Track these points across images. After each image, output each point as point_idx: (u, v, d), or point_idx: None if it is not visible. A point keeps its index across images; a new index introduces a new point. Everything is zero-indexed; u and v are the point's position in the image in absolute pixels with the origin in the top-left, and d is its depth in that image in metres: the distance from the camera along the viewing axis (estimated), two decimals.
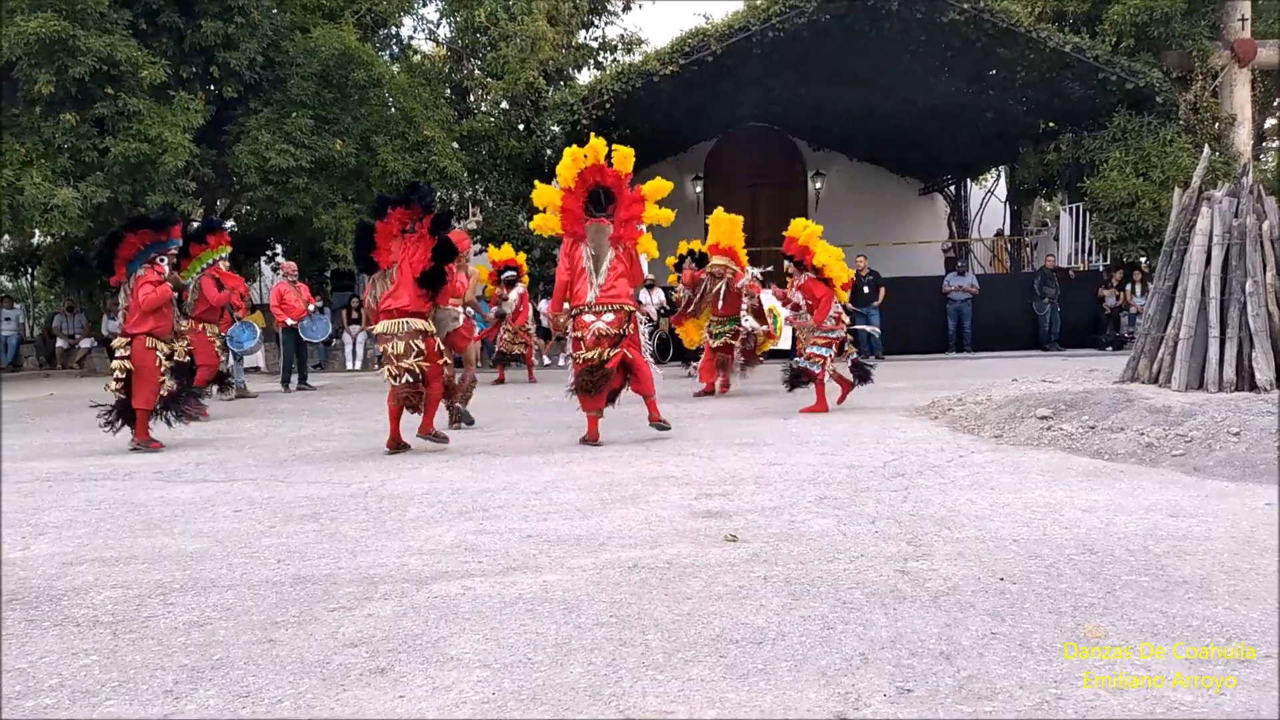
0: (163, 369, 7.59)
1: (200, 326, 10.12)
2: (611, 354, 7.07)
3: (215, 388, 10.49)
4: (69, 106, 14.94)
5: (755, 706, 2.48)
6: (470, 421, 8.42)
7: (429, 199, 6.99)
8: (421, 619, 3.22)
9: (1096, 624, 2.98)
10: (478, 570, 3.78)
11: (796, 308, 9.21)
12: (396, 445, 7.03)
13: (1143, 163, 17.76)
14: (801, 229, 9.24)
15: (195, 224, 16.84)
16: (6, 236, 20.39)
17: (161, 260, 7.76)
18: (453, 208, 21.18)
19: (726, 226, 10.77)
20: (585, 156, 7.30)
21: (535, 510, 4.87)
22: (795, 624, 3.05)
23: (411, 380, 6.78)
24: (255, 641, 3.05)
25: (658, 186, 7.43)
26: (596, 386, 7.12)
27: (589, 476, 5.80)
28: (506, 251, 14.22)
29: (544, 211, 7.61)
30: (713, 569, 3.69)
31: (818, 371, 8.81)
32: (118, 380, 7.53)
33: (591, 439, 7.15)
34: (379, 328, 6.91)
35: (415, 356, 6.78)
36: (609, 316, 7.10)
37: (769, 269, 13.18)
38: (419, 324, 6.84)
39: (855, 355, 9.22)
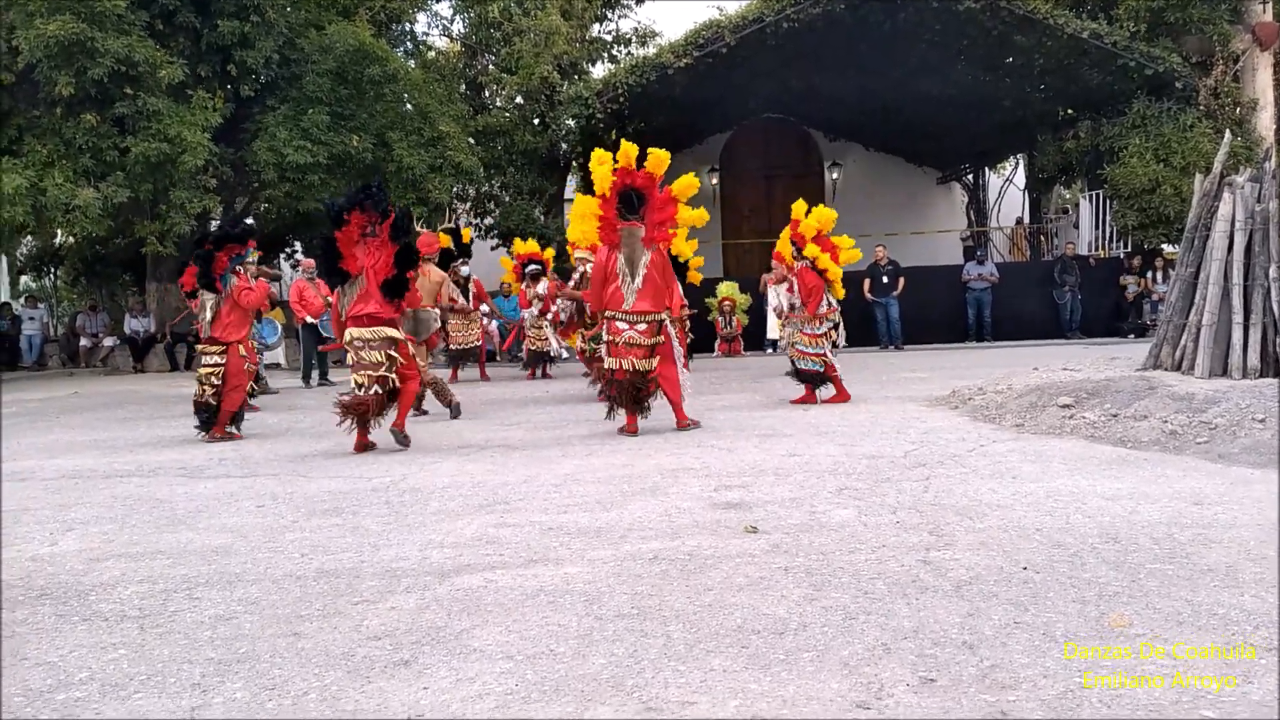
0: (247, 370, 8.20)
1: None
2: (646, 365, 7.07)
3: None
4: (89, 107, 15.05)
5: (777, 697, 2.48)
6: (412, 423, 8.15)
7: (382, 201, 6.87)
8: (444, 611, 3.23)
9: (1121, 613, 2.96)
10: (499, 563, 3.80)
11: (792, 308, 9.01)
12: (365, 446, 6.95)
13: (1163, 149, 17.58)
14: (802, 212, 8.96)
15: (214, 221, 17.08)
16: (30, 237, 20.59)
17: (242, 269, 8.21)
18: (468, 203, 21.24)
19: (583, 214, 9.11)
20: (616, 160, 7.20)
21: (555, 503, 4.89)
22: (817, 614, 3.05)
23: (379, 391, 6.76)
24: (280, 635, 3.08)
25: (687, 184, 7.35)
26: (630, 401, 7.11)
27: (608, 469, 5.81)
28: (531, 246, 14.09)
29: (581, 220, 7.56)
30: (733, 560, 3.69)
31: (823, 370, 8.76)
32: (213, 386, 7.91)
33: (630, 430, 7.16)
34: (349, 334, 6.85)
35: (388, 367, 6.79)
36: (641, 326, 7.08)
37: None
38: (391, 331, 6.84)
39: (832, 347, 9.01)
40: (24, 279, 24.67)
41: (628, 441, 6.91)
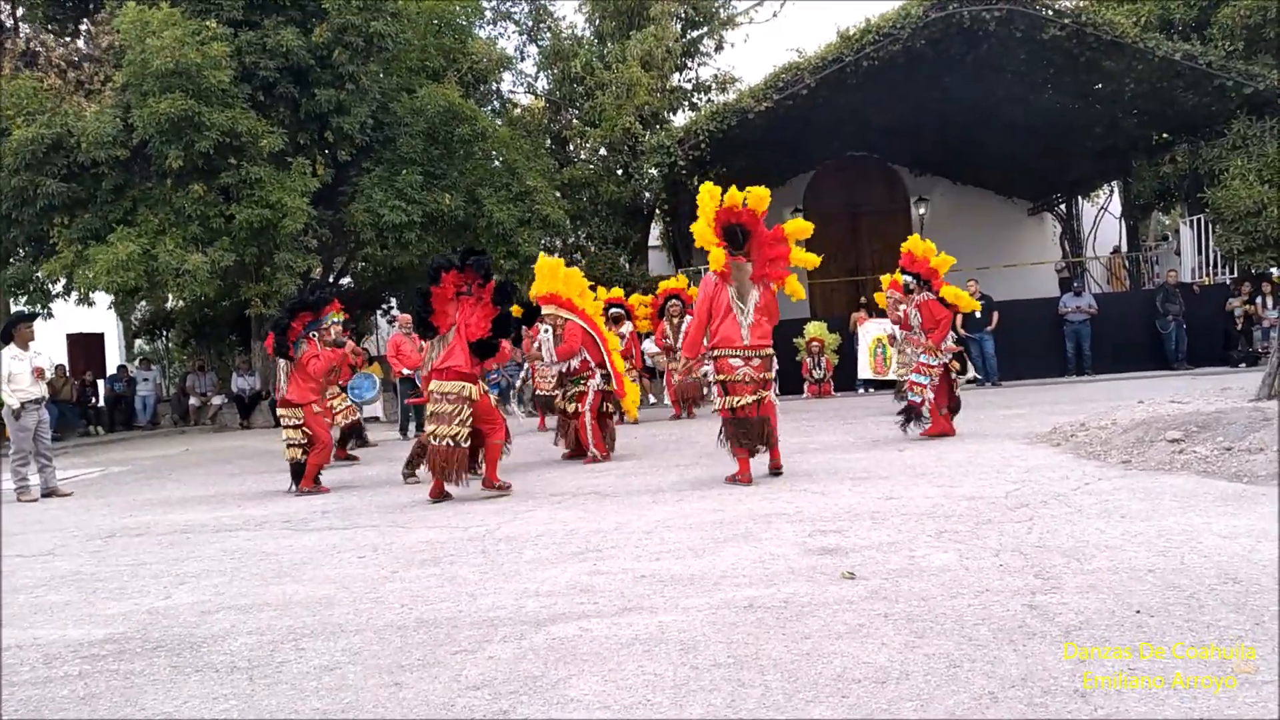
0: (333, 426, 8.70)
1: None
2: (754, 400, 6.89)
3: (352, 441, 11.31)
4: (197, 178, 15.86)
5: None
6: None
7: (486, 266, 7.12)
8: (540, 661, 3.25)
9: (1245, 658, 2.81)
10: (593, 611, 3.81)
11: (908, 326, 8.96)
12: (441, 495, 7.13)
13: (1267, 169, 16.89)
14: (921, 247, 9.00)
15: (313, 278, 17.74)
16: (143, 302, 21.65)
17: (314, 335, 8.60)
18: (556, 254, 21.60)
19: (548, 272, 9.11)
20: (721, 199, 7.09)
21: (648, 550, 4.88)
22: (919, 662, 2.97)
23: (451, 444, 6.94)
24: (383, 685, 3.14)
25: (799, 226, 7.26)
26: (752, 438, 6.93)
27: (700, 515, 5.78)
28: (616, 292, 14.42)
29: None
30: (831, 607, 3.63)
31: (919, 401, 8.62)
32: (299, 446, 8.34)
33: (744, 479, 6.85)
34: (431, 386, 7.11)
35: (460, 422, 6.95)
36: (756, 361, 6.93)
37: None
38: (470, 386, 7.03)
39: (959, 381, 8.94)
40: (138, 342, 25.91)
41: (719, 487, 6.84)
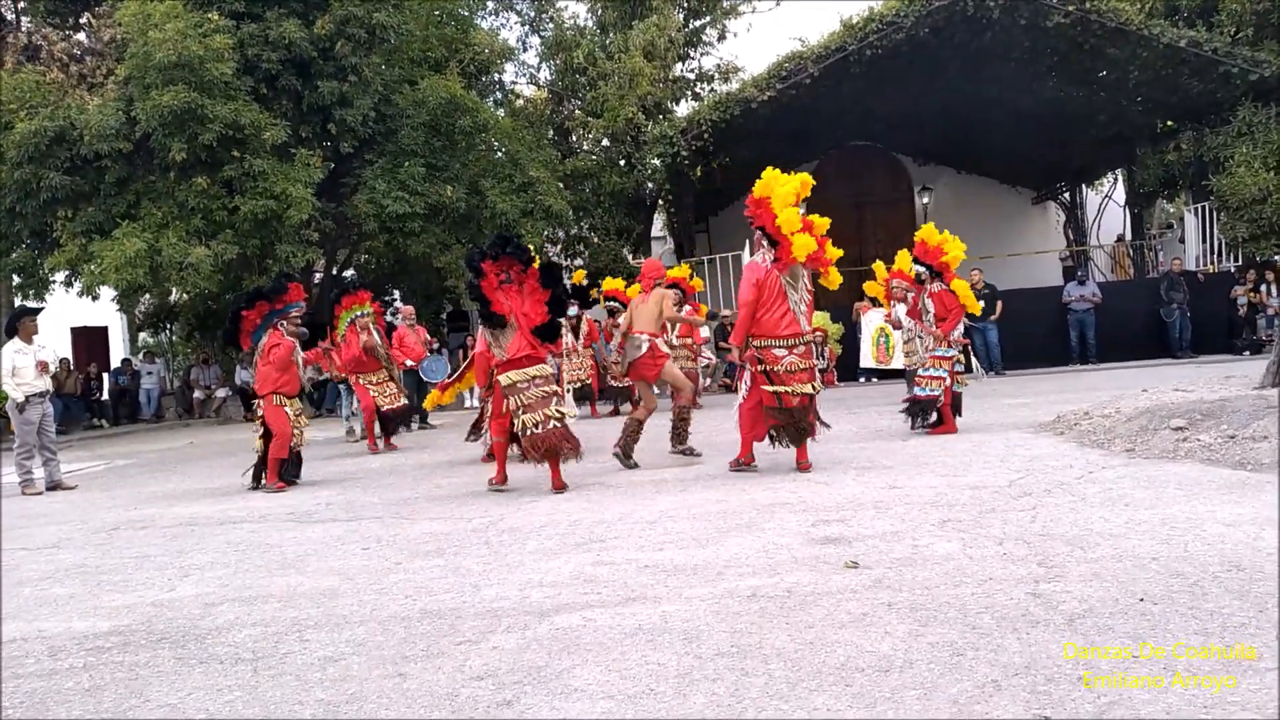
0: (295, 425, 8.27)
1: (355, 377, 10.89)
2: (811, 389, 6.77)
3: (402, 425, 11.37)
4: (200, 171, 15.86)
5: None
6: (629, 461, 7.77)
7: (524, 250, 6.93)
8: (544, 651, 3.26)
9: (1247, 644, 2.81)
10: (597, 601, 3.81)
11: (920, 315, 8.87)
12: (504, 480, 7.09)
13: (1273, 156, 16.80)
14: (936, 238, 8.89)
15: (318, 275, 17.74)
16: (147, 295, 21.68)
17: (281, 325, 8.36)
18: (559, 245, 21.60)
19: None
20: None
21: (651, 540, 4.88)
22: (923, 651, 2.97)
23: (558, 425, 6.72)
24: (387, 676, 3.15)
25: (821, 223, 6.97)
26: (798, 429, 6.81)
27: (703, 505, 5.78)
28: (617, 283, 14.34)
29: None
30: (834, 596, 3.63)
31: (938, 395, 8.56)
32: (261, 437, 8.23)
33: (803, 466, 6.80)
34: (506, 378, 6.82)
35: (557, 402, 6.81)
36: (800, 349, 6.79)
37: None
38: (548, 369, 6.94)
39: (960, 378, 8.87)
40: (142, 335, 25.96)
41: (723, 477, 6.84)
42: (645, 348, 7.85)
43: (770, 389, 6.75)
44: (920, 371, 8.82)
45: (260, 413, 8.23)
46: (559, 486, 6.76)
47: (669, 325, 11.03)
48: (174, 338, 25.30)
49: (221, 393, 20.15)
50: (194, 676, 3.31)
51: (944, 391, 8.55)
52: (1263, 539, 3.99)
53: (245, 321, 8.37)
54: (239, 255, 16.16)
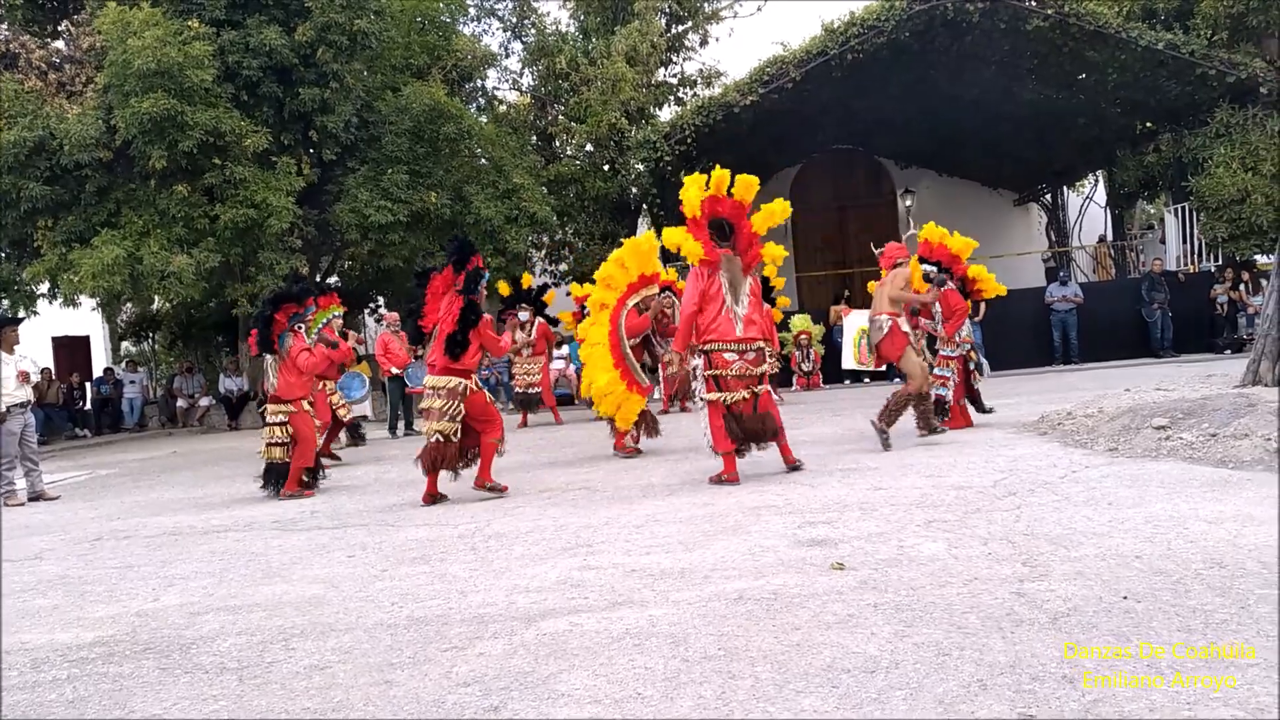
0: (317, 428, 8.40)
1: (320, 384, 10.67)
2: (749, 395, 6.69)
3: (346, 437, 11.34)
4: (181, 178, 15.77)
5: None
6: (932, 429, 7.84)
7: (455, 251, 6.92)
8: (531, 656, 3.25)
9: (1230, 641, 2.83)
10: (584, 606, 3.81)
11: (925, 313, 8.83)
12: (433, 498, 6.94)
13: (1250, 157, 16.98)
14: (938, 234, 8.88)
15: (302, 275, 17.65)
16: (129, 304, 21.54)
17: (300, 328, 8.34)
18: (543, 251, 21.54)
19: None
20: (707, 186, 6.84)
21: (638, 544, 4.88)
22: (908, 651, 2.98)
23: (441, 440, 6.77)
24: (373, 683, 3.13)
25: (773, 211, 6.95)
26: (748, 434, 6.76)
27: (689, 508, 5.79)
28: (589, 289, 14.20)
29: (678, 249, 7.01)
30: (820, 598, 3.63)
31: (948, 394, 8.60)
32: (280, 446, 8.10)
33: (730, 477, 6.61)
34: (426, 381, 6.98)
35: (448, 418, 6.77)
36: (750, 355, 6.70)
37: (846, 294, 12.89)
38: (462, 383, 6.82)
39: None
40: (124, 344, 25.79)
41: (707, 481, 6.83)
42: (887, 328, 7.90)
43: (718, 395, 6.69)
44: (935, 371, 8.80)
45: (280, 419, 8.10)
46: (425, 499, 6.91)
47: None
48: (157, 347, 25.15)
49: (205, 401, 20.03)
50: (179, 686, 3.28)
51: (954, 389, 8.60)
52: (1244, 536, 4.03)
53: (275, 325, 8.23)
54: (221, 263, 16.07)
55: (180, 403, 20.55)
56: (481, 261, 7.14)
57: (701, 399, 6.88)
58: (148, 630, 4.04)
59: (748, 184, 6.84)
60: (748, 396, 6.71)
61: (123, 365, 23.00)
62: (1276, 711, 2.33)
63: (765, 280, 7.45)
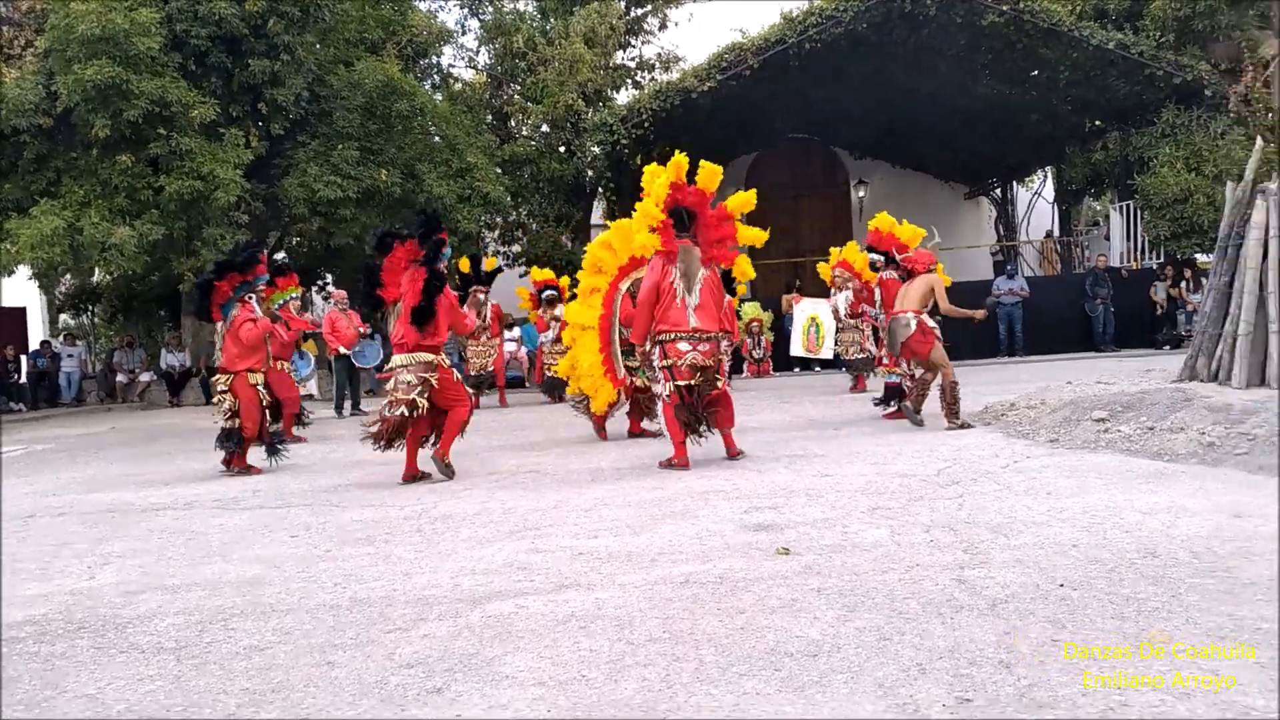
0: (264, 402, 8.07)
1: (277, 363, 10.48)
2: (707, 386, 6.73)
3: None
4: (125, 148, 15.37)
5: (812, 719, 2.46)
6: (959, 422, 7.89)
7: (421, 225, 6.79)
8: (476, 638, 3.24)
9: (1161, 629, 2.91)
10: (530, 589, 3.80)
11: (860, 306, 8.94)
12: (413, 477, 6.87)
13: (1194, 157, 17.38)
14: (888, 223, 8.95)
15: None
16: (68, 276, 21.01)
17: (250, 298, 8.11)
18: (496, 232, 21.37)
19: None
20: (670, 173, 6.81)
21: (586, 528, 4.88)
22: (850, 635, 3.02)
23: (406, 413, 6.62)
24: (314, 664, 3.10)
25: (743, 200, 6.99)
26: (695, 422, 6.78)
27: (638, 493, 5.80)
28: (547, 273, 14.24)
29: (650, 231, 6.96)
30: (765, 582, 3.66)
31: (896, 381, 8.74)
32: (226, 415, 7.93)
33: (681, 463, 6.64)
34: (393, 361, 6.80)
35: (419, 391, 6.64)
36: (704, 346, 6.69)
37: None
38: (426, 357, 6.71)
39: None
40: (63, 317, 25.15)
41: (659, 465, 6.86)
42: (914, 326, 8.01)
43: (669, 384, 6.72)
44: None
45: (223, 391, 7.91)
46: (405, 477, 6.85)
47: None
48: (96, 320, 24.56)
49: (145, 377, 19.60)
50: (114, 666, 3.22)
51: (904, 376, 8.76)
52: (1177, 527, 4.13)
53: (216, 293, 7.98)
54: (165, 236, 15.71)
55: (120, 378, 20.09)
56: (446, 236, 7.02)
57: (655, 390, 6.89)
58: (82, 609, 3.95)
59: (711, 173, 6.84)
60: (694, 385, 6.71)
61: (60, 338, 22.40)
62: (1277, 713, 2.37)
63: (727, 273, 7.43)
